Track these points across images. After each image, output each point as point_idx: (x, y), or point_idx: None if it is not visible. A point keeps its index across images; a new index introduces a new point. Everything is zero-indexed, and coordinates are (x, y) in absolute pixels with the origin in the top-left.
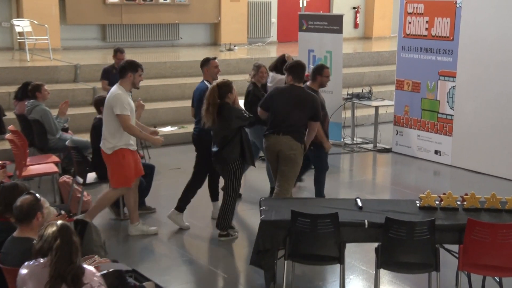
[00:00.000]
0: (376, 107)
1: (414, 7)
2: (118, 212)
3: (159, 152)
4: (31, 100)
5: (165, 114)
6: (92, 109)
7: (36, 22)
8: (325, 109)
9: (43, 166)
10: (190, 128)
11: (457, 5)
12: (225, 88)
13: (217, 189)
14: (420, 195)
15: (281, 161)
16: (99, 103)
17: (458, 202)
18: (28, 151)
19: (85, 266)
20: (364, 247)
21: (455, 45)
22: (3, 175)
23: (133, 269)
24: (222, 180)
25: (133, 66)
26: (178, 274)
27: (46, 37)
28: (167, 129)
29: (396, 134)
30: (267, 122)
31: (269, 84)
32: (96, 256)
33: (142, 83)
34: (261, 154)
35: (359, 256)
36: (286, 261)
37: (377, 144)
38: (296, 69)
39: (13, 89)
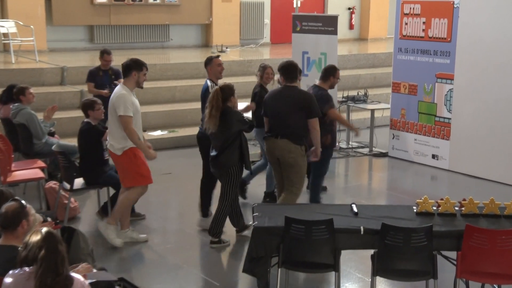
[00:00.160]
0: (372, 110)
1: (410, 8)
2: None
3: None
4: (16, 104)
5: (155, 118)
6: (79, 113)
7: (21, 23)
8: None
9: (29, 171)
10: (181, 132)
11: (455, 6)
12: (229, 91)
13: (209, 204)
14: (417, 200)
15: (283, 166)
16: (86, 107)
17: (456, 208)
18: (13, 156)
19: (74, 275)
20: (360, 254)
21: (453, 46)
22: None
23: (121, 277)
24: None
25: (138, 65)
26: (169, 282)
27: (31, 39)
28: (157, 133)
29: (393, 138)
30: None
31: None
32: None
33: None
34: (255, 158)
35: (355, 263)
36: (279, 269)
37: (373, 149)
38: (287, 69)
39: None
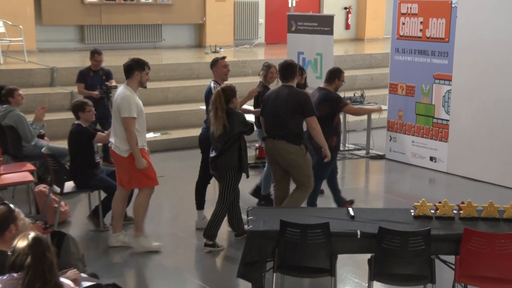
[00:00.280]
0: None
1: (408, 8)
2: (97, 223)
3: None
4: (5, 105)
5: (147, 120)
6: (69, 115)
7: (10, 23)
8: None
9: (18, 174)
10: (174, 134)
11: (453, 5)
12: (230, 92)
13: (204, 197)
14: (415, 203)
15: (286, 169)
16: (77, 108)
17: (454, 211)
18: (1, 159)
19: (64, 280)
20: (357, 259)
21: (451, 47)
22: None
23: (113, 283)
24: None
25: (140, 64)
26: None
27: (20, 39)
28: (150, 135)
29: (390, 140)
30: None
31: None
32: (74, 270)
33: None
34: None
35: (351, 268)
36: (275, 274)
37: (370, 151)
38: (284, 68)
39: None
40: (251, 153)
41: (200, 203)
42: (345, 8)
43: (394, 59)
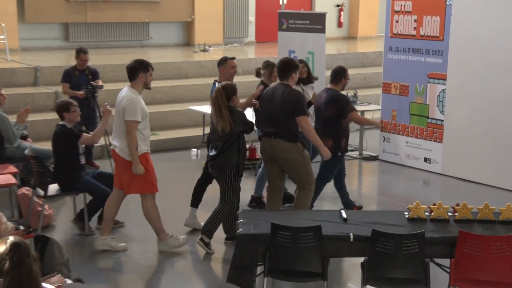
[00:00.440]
0: (362, 112)
1: (401, 5)
2: (82, 227)
3: None
4: None
5: None
6: (54, 115)
7: None
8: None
9: (0, 177)
10: (162, 135)
11: (447, 3)
12: (231, 90)
13: (201, 196)
14: (409, 206)
15: (284, 168)
16: (61, 109)
17: (449, 213)
18: None
19: (47, 286)
20: (350, 262)
21: (445, 45)
22: None
23: None
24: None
25: (144, 66)
26: None
27: (2, 37)
28: None
29: (383, 140)
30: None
31: None
32: (59, 275)
33: (108, 87)
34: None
35: (344, 271)
36: (265, 278)
37: (363, 152)
38: (280, 66)
39: None
40: None
41: (195, 201)
42: (338, 6)
43: (387, 58)
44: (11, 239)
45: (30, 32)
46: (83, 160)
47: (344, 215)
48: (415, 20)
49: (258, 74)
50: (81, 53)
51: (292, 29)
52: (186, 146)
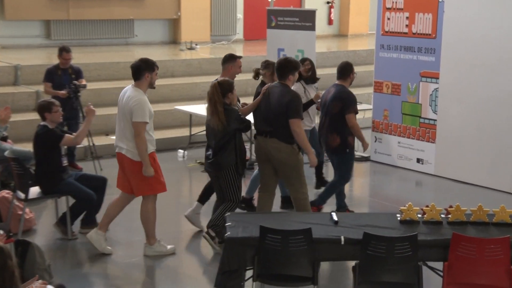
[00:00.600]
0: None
1: (393, 2)
2: (65, 231)
3: (111, 163)
4: None
5: None
6: (35, 116)
7: None
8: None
9: None
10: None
11: (440, 0)
12: (227, 86)
13: (210, 195)
14: (401, 208)
15: (277, 168)
16: (43, 109)
17: (442, 215)
18: None
19: None
20: (341, 266)
21: (438, 43)
22: None
23: None
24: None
25: (149, 65)
26: None
27: None
28: None
29: (375, 141)
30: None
31: None
32: (40, 281)
33: (91, 86)
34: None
35: (335, 276)
36: (254, 283)
37: (354, 153)
38: (277, 66)
39: None
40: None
41: (203, 198)
42: (328, 3)
43: (379, 56)
44: None
45: (10, 29)
46: (65, 162)
47: (335, 217)
48: (407, 18)
49: (257, 75)
50: (63, 51)
51: (281, 27)
52: (173, 147)
